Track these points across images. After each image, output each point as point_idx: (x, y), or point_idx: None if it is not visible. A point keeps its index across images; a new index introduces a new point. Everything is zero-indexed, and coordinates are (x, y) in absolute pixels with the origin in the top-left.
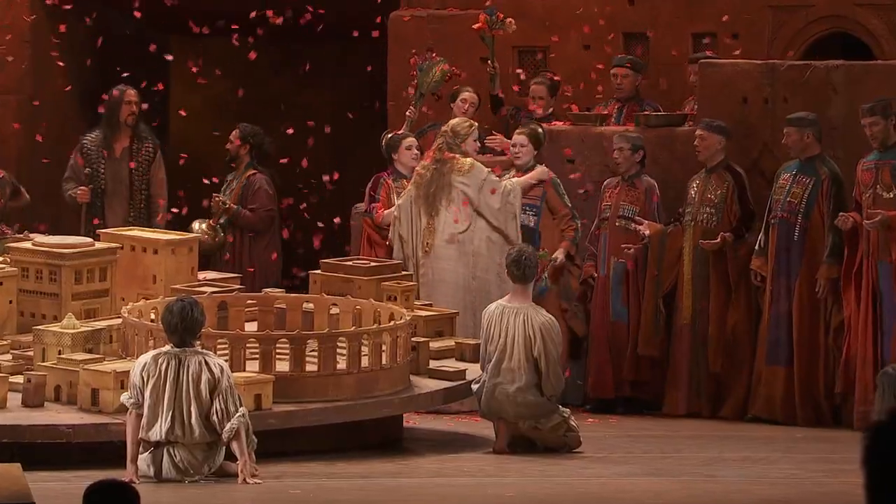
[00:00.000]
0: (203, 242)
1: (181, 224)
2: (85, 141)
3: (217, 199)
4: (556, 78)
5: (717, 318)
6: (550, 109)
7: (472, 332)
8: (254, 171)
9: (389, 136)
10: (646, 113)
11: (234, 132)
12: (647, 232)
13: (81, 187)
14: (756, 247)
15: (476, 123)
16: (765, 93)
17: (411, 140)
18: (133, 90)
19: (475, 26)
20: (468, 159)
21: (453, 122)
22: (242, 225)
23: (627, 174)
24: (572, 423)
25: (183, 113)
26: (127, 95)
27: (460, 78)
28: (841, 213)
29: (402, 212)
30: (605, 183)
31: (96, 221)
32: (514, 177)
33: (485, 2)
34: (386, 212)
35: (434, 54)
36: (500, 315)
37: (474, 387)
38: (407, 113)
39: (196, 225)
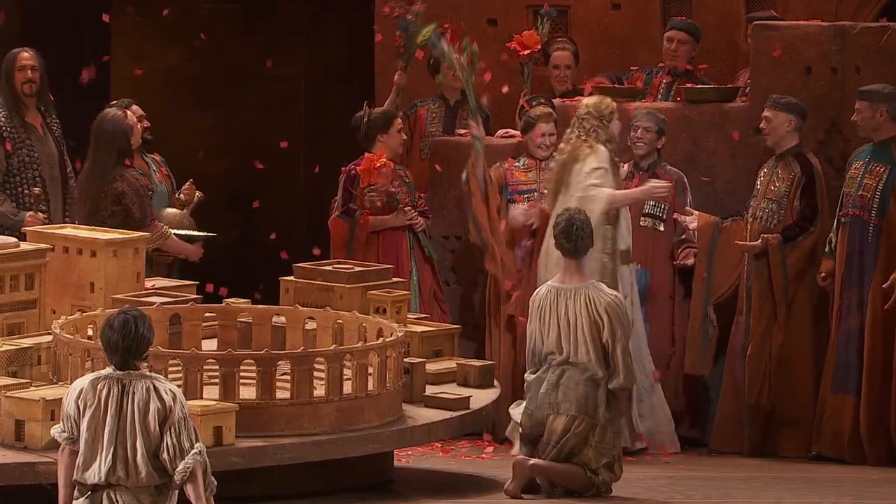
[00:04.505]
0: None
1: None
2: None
3: (193, 189)
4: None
5: (759, 337)
6: (572, 85)
7: None
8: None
9: (374, 113)
10: (688, 86)
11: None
12: (693, 225)
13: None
14: (826, 248)
15: (614, 103)
16: (833, 61)
17: (399, 121)
18: (28, 52)
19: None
20: (596, 144)
21: (592, 101)
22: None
23: (646, 162)
24: (619, 464)
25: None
26: (19, 59)
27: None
28: None
29: None
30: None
31: (43, 216)
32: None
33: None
34: (376, 219)
35: (416, 3)
36: (556, 299)
37: (528, 377)
38: (395, 79)
39: (176, 212)
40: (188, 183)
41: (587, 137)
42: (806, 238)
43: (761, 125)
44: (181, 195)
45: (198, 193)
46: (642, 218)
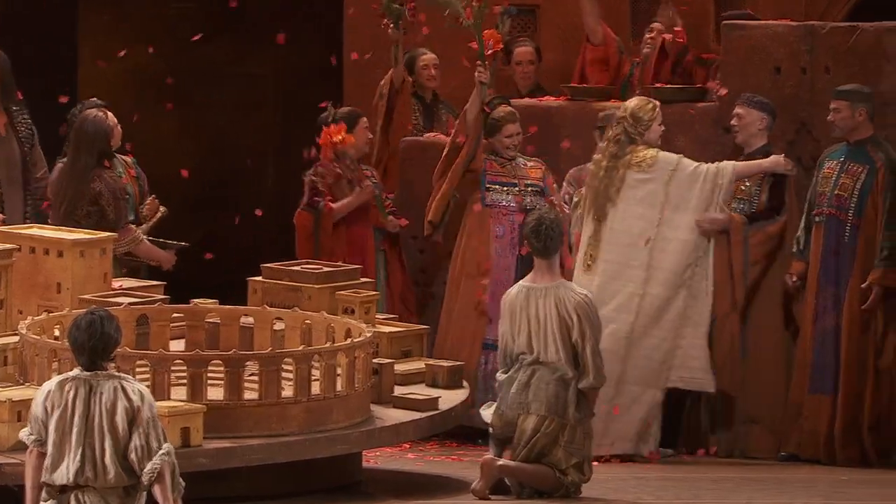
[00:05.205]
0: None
1: None
2: None
3: (156, 204)
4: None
5: (719, 321)
6: (536, 82)
7: (636, 368)
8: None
9: (339, 112)
10: (657, 86)
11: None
12: None
13: None
14: (794, 248)
15: (658, 104)
16: (802, 61)
17: (365, 118)
18: None
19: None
20: (651, 150)
21: (632, 104)
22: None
23: None
24: (588, 465)
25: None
26: None
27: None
28: None
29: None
30: (574, 174)
31: (2, 217)
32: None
33: None
34: (340, 203)
35: None
36: (526, 299)
37: (500, 376)
38: (389, 34)
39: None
40: (151, 198)
41: (631, 143)
42: (772, 225)
43: (732, 122)
44: (143, 209)
45: (161, 209)
46: None
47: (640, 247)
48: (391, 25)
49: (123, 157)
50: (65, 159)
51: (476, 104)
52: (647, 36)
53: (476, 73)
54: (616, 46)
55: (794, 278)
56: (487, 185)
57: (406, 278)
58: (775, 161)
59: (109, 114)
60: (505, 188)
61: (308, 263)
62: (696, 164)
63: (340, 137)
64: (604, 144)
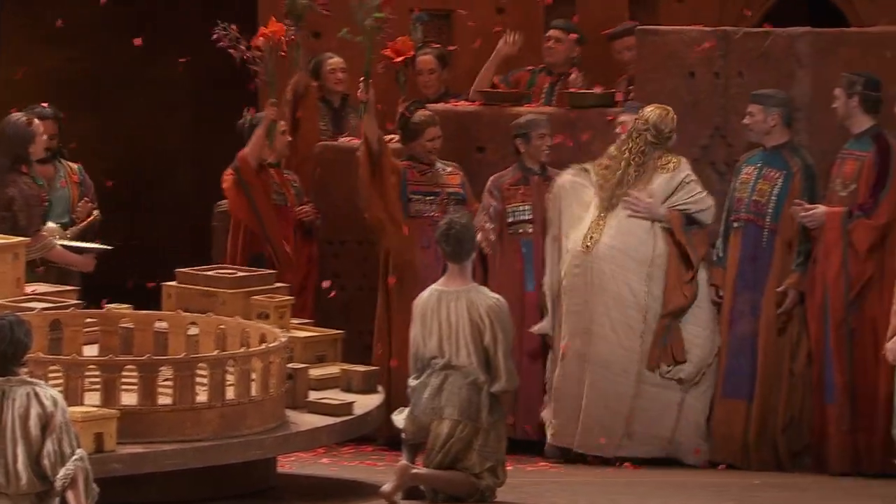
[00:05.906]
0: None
1: None
2: None
3: (87, 206)
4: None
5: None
6: (443, 88)
7: (639, 364)
8: (74, 163)
9: (255, 118)
10: (572, 91)
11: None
12: None
13: None
14: (714, 257)
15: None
16: (716, 66)
17: (283, 123)
18: None
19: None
20: (675, 156)
21: (653, 117)
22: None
23: (542, 166)
24: (502, 468)
25: None
26: None
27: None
28: (797, 202)
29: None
30: (495, 182)
31: None
32: None
33: None
34: (249, 147)
35: None
36: (438, 302)
37: (412, 382)
38: (292, 36)
39: (53, 227)
40: (83, 201)
41: (654, 150)
42: (702, 230)
43: (617, 130)
44: (76, 212)
45: (95, 212)
46: None
47: (644, 239)
48: (290, 26)
49: (70, 164)
50: None
51: (372, 126)
52: (546, 45)
53: (358, 92)
54: (501, 83)
55: (720, 292)
56: (409, 196)
57: (312, 273)
58: None
59: (35, 121)
60: (428, 198)
61: (223, 268)
62: (699, 189)
63: (271, 31)
64: (624, 155)
